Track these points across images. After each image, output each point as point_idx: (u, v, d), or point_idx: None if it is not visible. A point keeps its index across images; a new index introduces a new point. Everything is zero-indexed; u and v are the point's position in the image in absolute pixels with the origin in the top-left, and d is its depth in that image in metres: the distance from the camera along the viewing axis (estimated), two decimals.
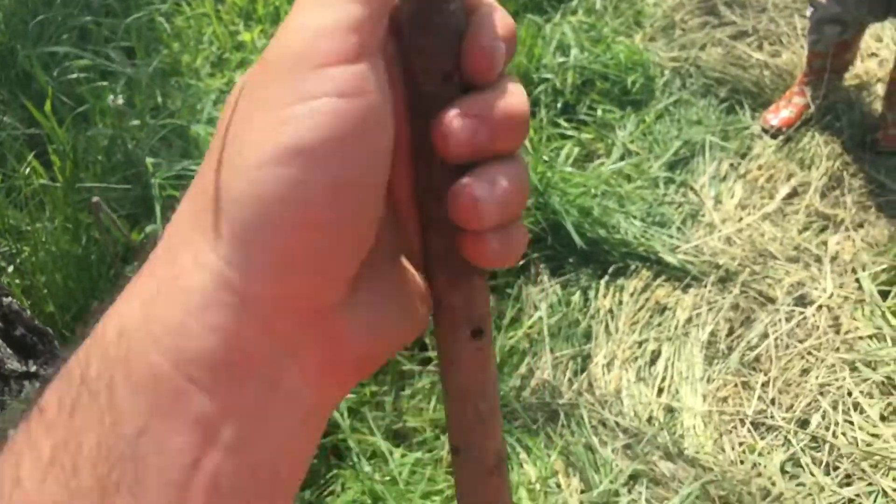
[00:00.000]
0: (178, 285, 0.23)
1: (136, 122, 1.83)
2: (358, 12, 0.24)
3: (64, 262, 1.59)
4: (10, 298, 1.13)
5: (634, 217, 1.75)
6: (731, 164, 1.92)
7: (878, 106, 2.01)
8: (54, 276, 1.59)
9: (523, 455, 1.30)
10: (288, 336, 0.24)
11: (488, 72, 0.27)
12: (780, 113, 2.02)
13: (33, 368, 1.12)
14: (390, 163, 0.26)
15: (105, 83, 1.98)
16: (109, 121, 1.78)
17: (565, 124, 2.03)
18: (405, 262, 0.30)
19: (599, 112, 2.07)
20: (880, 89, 2.06)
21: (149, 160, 1.62)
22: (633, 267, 1.67)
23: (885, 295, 1.56)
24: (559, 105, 2.08)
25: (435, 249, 0.28)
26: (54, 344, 1.19)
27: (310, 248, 0.24)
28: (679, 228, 1.76)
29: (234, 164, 0.24)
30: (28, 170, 1.73)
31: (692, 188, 1.87)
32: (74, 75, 1.98)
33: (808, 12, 1.95)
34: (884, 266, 1.60)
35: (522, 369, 1.48)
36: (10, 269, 1.63)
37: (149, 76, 2.01)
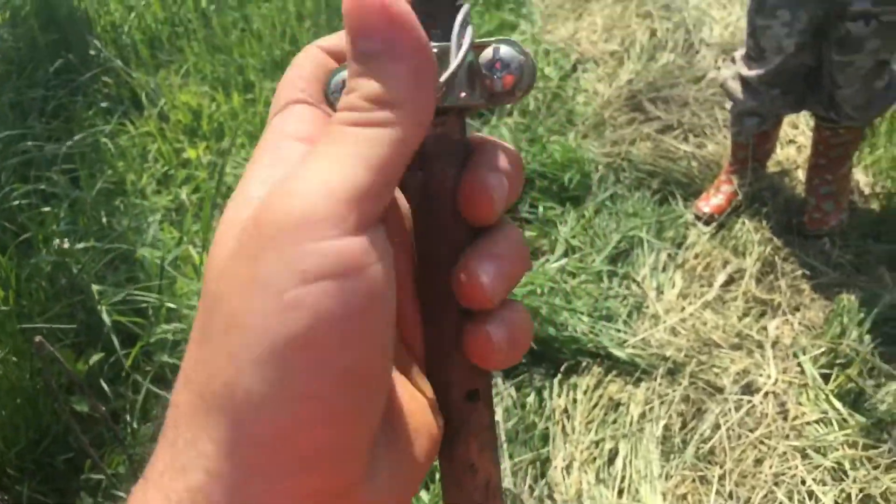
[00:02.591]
0: (191, 499, 0.22)
1: (80, 246, 1.83)
2: (366, 180, 0.24)
3: (9, 395, 1.54)
4: None
5: (581, 313, 1.79)
6: (669, 255, 1.99)
7: (800, 190, 2.13)
8: None
9: None
10: None
11: (488, 210, 0.28)
12: (711, 200, 2.12)
13: None
14: (395, 329, 0.25)
15: (48, 208, 1.97)
16: (53, 248, 1.77)
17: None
18: (401, 380, 0.29)
19: (541, 209, 2.15)
20: (801, 174, 2.18)
21: (94, 287, 1.61)
22: (584, 364, 1.70)
23: (826, 378, 1.61)
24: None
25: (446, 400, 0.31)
26: None
27: (328, 442, 0.23)
28: (625, 322, 1.80)
29: (235, 354, 0.22)
30: None
31: (635, 280, 1.93)
32: (17, 202, 1.97)
33: (728, 106, 2.08)
34: (822, 349, 1.67)
35: None
36: None
37: (93, 198, 2.02)
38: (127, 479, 1.33)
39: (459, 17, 0.29)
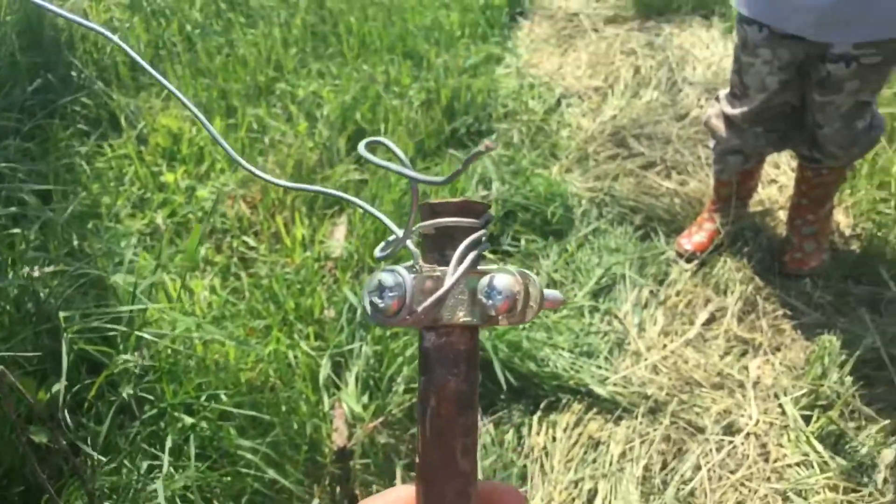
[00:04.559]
0: None
1: (49, 269, 1.77)
2: None
3: None
4: None
5: (563, 349, 1.76)
6: (651, 291, 1.98)
7: (782, 230, 2.13)
8: None
9: None
10: None
11: None
12: (693, 238, 2.11)
13: None
14: None
15: (17, 230, 1.92)
16: (22, 275, 1.72)
17: (491, 256, 2.06)
18: None
19: (523, 242, 2.13)
20: (782, 214, 2.18)
21: (62, 314, 1.55)
22: (564, 400, 1.66)
23: (807, 419, 1.59)
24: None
25: None
26: None
27: None
28: (607, 358, 1.78)
29: None
30: None
31: (616, 316, 1.91)
32: None
33: (711, 144, 2.08)
34: (803, 390, 1.65)
35: None
36: None
37: (65, 220, 1.97)
38: None
39: (462, 246, 0.34)
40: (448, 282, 0.33)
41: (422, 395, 0.34)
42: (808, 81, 1.79)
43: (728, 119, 1.96)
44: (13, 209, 1.96)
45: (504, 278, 0.33)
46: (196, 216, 2.19)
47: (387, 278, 0.33)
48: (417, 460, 0.34)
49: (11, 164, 2.12)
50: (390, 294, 0.33)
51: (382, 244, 0.35)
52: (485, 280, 0.33)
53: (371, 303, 0.33)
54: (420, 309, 0.33)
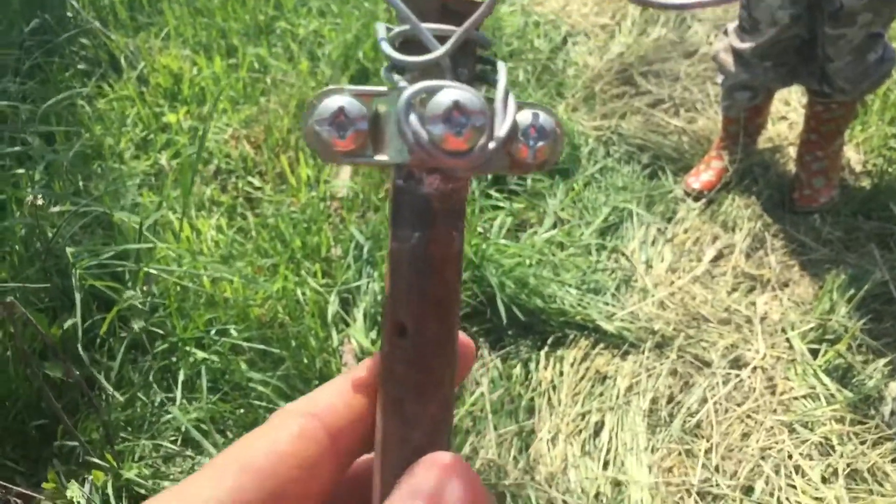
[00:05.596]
0: None
1: (55, 209, 1.77)
2: None
3: None
4: None
5: (570, 285, 1.77)
6: (659, 229, 1.97)
7: (791, 167, 2.11)
8: None
9: None
10: None
11: None
12: (701, 176, 2.09)
13: None
14: None
15: (22, 171, 1.91)
16: (25, 206, 1.71)
17: (497, 195, 2.05)
18: None
19: (529, 181, 2.11)
20: (792, 151, 2.16)
21: (69, 250, 1.55)
22: (571, 336, 1.67)
23: (814, 353, 1.60)
24: (489, 175, 2.11)
25: None
26: None
27: None
28: (614, 295, 1.78)
29: None
30: None
31: (623, 254, 1.91)
32: None
33: (720, 80, 2.04)
34: (811, 325, 1.65)
35: (466, 449, 1.45)
36: None
37: (69, 161, 1.95)
38: (100, 446, 1.29)
39: (503, 77, 0.26)
40: (508, 119, 0.25)
41: (414, 255, 0.26)
42: (818, 14, 1.75)
43: (737, 53, 1.92)
44: (17, 149, 1.94)
45: (548, 118, 0.27)
46: (202, 157, 2.17)
47: (468, 99, 0.24)
48: (399, 342, 0.27)
49: (13, 103, 2.10)
50: (476, 123, 0.24)
51: (383, 33, 0.26)
52: (525, 117, 0.27)
53: (434, 134, 0.24)
54: (492, 147, 0.24)
